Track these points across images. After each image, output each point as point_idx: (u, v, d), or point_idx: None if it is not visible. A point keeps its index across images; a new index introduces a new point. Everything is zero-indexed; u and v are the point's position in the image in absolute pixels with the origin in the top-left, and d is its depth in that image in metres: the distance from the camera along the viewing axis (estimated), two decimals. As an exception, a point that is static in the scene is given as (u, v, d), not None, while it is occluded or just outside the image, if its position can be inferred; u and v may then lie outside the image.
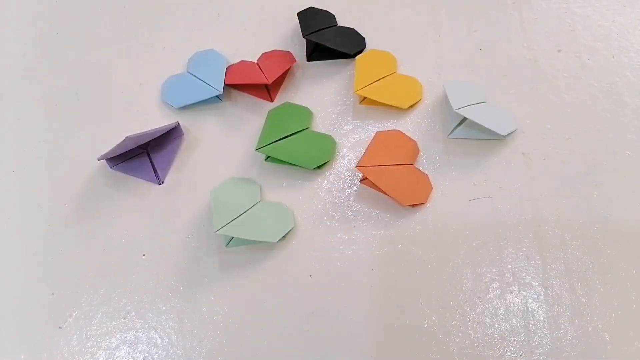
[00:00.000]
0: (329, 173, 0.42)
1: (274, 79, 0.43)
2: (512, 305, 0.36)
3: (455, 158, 0.41)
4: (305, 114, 0.43)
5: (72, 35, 0.50)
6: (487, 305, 0.36)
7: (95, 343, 0.37)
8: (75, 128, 0.45)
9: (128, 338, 0.37)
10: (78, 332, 0.38)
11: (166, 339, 0.37)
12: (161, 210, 0.41)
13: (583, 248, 0.37)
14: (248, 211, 0.39)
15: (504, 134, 0.40)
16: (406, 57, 0.46)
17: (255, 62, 0.46)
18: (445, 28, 0.47)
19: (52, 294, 0.39)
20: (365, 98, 0.44)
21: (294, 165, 0.41)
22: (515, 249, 0.38)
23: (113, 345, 0.37)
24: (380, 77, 0.44)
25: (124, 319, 0.38)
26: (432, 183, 0.40)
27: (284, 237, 0.39)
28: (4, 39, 0.50)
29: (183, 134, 0.44)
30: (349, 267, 0.38)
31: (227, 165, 0.43)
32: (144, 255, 0.40)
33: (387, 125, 0.43)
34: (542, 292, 0.36)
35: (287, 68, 0.44)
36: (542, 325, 0.35)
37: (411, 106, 0.43)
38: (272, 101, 0.45)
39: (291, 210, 0.40)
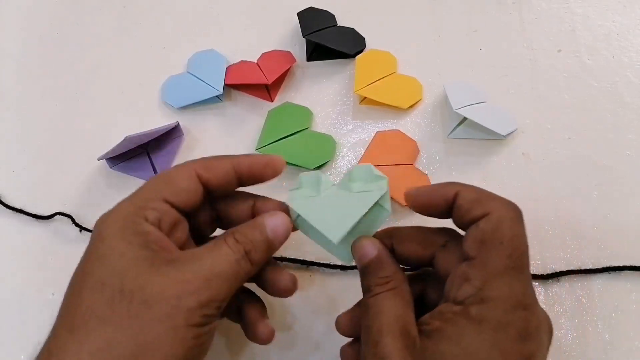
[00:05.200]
0: (329, 173, 0.42)
1: (274, 79, 0.43)
2: (512, 305, 0.36)
3: (455, 158, 0.41)
4: (305, 114, 0.43)
5: (72, 35, 0.50)
6: (487, 305, 0.36)
7: (95, 343, 0.37)
8: (75, 128, 0.45)
9: (128, 338, 0.37)
10: (78, 332, 0.38)
11: (166, 339, 0.37)
12: (161, 210, 0.41)
13: (583, 248, 0.37)
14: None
15: (504, 134, 0.40)
16: (406, 57, 0.46)
17: (255, 62, 0.46)
18: (445, 28, 0.47)
19: (52, 294, 0.39)
20: (365, 98, 0.44)
21: (294, 165, 0.41)
22: (515, 249, 0.38)
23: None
24: (380, 77, 0.44)
25: (124, 319, 0.38)
26: (432, 183, 0.40)
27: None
28: (4, 39, 0.50)
29: (183, 134, 0.44)
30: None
31: (227, 165, 0.43)
32: (144, 255, 0.40)
33: (387, 125, 0.43)
34: (542, 292, 0.36)
35: (287, 68, 0.44)
36: (542, 325, 0.35)
37: (411, 106, 0.43)
38: (272, 101, 0.45)
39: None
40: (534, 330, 0.24)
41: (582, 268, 0.37)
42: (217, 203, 0.31)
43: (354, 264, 0.29)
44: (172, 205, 0.27)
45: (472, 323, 0.24)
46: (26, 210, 0.42)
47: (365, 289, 0.27)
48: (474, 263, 0.25)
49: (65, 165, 0.44)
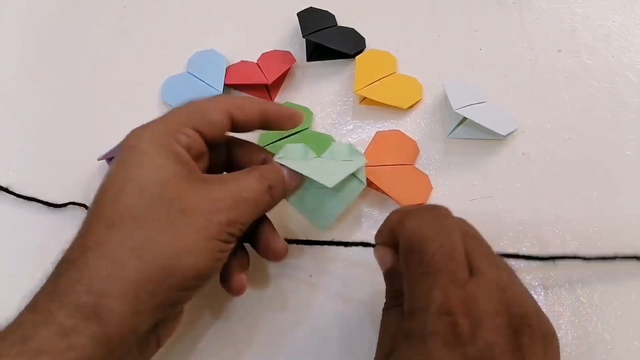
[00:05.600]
0: (329, 173, 0.42)
1: (274, 79, 0.43)
2: (512, 305, 0.36)
3: (455, 158, 0.41)
4: (306, 114, 0.43)
5: (72, 35, 0.50)
6: (487, 305, 0.36)
7: (95, 343, 0.37)
8: (75, 128, 0.45)
9: (128, 338, 0.37)
10: (78, 332, 0.38)
11: (166, 339, 0.37)
12: (161, 210, 0.41)
13: (583, 248, 0.37)
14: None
15: (504, 134, 0.40)
16: (406, 57, 0.46)
17: (255, 62, 0.46)
18: (445, 28, 0.47)
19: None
20: (365, 98, 0.44)
21: (294, 165, 0.41)
22: (515, 249, 0.38)
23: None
24: (380, 77, 0.44)
25: (124, 319, 0.38)
26: (432, 183, 0.40)
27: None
28: (4, 39, 0.50)
29: (183, 134, 0.44)
30: (349, 267, 0.38)
31: (227, 165, 0.43)
32: (144, 255, 0.40)
33: (387, 125, 0.43)
34: (542, 292, 0.36)
35: (287, 68, 0.44)
36: (542, 325, 0.35)
37: (411, 106, 0.43)
38: (272, 101, 0.45)
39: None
40: (467, 334, 0.22)
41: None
42: (233, 147, 0.34)
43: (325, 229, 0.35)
44: (201, 135, 0.29)
45: (405, 339, 0.24)
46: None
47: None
48: (404, 278, 0.26)
49: (65, 166, 0.44)
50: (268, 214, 0.33)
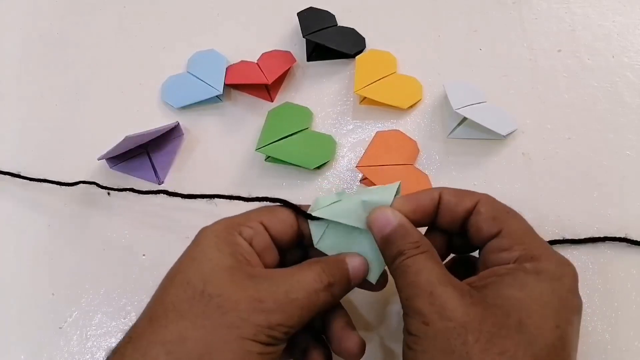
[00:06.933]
0: (329, 173, 0.42)
1: (274, 79, 0.43)
2: (512, 305, 0.36)
3: (455, 158, 0.41)
4: (305, 114, 0.43)
5: (72, 35, 0.50)
6: (487, 305, 0.36)
7: (95, 343, 0.37)
8: (75, 128, 0.45)
9: (128, 338, 0.37)
10: (78, 332, 0.38)
11: (166, 339, 0.37)
12: (161, 210, 0.41)
13: (583, 248, 0.37)
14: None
15: (504, 134, 0.40)
16: (406, 57, 0.46)
17: (255, 62, 0.46)
18: (445, 28, 0.47)
19: (52, 294, 0.39)
20: (365, 98, 0.44)
21: (294, 165, 0.41)
22: (515, 249, 0.38)
23: (113, 345, 0.37)
24: (380, 77, 0.44)
25: (124, 319, 0.38)
26: (432, 183, 0.40)
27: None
28: (3, 39, 0.50)
29: (183, 134, 0.44)
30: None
31: (227, 165, 0.43)
32: (144, 255, 0.40)
33: (387, 125, 0.43)
34: (542, 292, 0.36)
35: (287, 68, 0.44)
36: (542, 325, 0.35)
37: (411, 106, 0.43)
38: (272, 101, 0.45)
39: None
40: (577, 287, 0.26)
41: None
42: (311, 250, 0.32)
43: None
44: (267, 230, 0.29)
45: (530, 274, 0.25)
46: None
47: (396, 254, 0.27)
48: (502, 234, 0.27)
49: (65, 165, 0.44)
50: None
